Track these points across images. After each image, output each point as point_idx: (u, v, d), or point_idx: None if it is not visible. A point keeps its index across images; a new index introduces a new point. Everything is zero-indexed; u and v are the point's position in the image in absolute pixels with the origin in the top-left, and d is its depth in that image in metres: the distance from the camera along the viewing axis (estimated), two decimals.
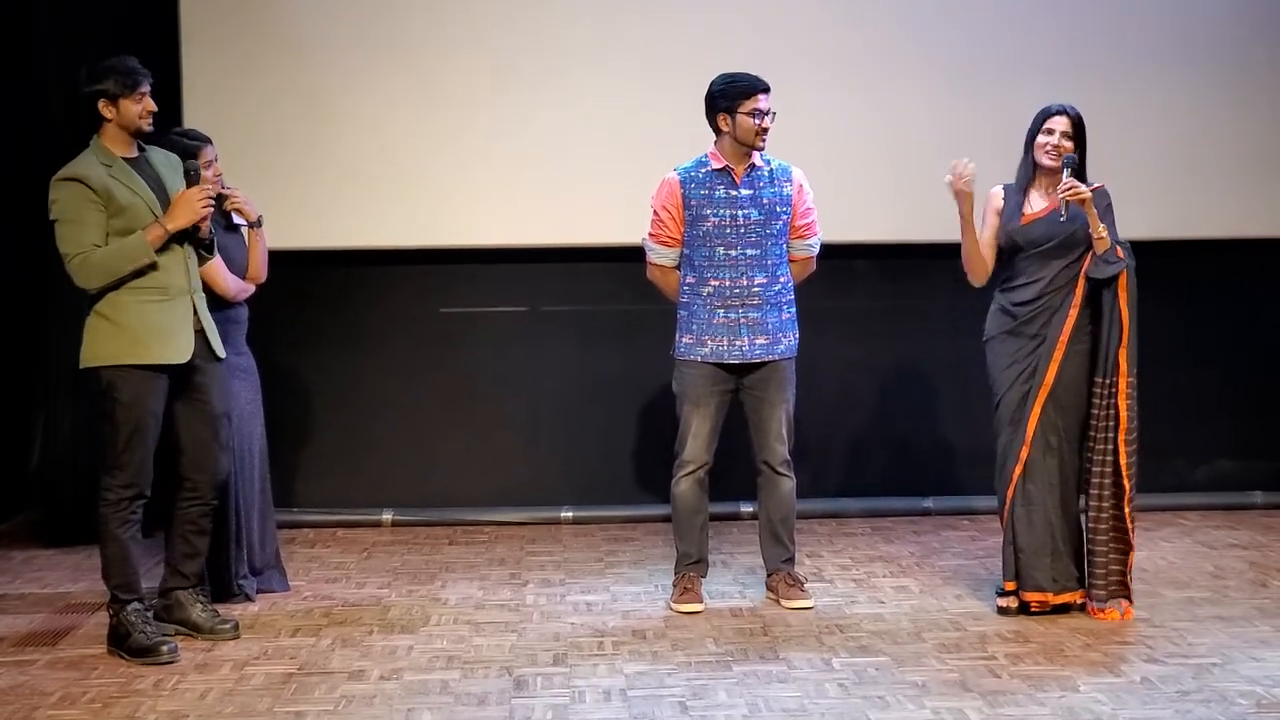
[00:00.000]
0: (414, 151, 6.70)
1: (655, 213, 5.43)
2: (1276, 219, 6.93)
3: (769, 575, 5.50)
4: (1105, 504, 5.11)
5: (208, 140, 5.28)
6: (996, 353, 5.23)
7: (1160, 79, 6.82)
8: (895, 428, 7.16)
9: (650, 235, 5.48)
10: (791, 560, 5.49)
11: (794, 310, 5.46)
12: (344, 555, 6.34)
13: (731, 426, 5.48)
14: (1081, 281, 5.09)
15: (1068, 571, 5.18)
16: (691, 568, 5.48)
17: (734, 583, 5.75)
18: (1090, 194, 5.00)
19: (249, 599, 5.50)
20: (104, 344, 4.77)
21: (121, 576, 4.85)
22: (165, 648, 4.80)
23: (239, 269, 5.43)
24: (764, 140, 5.30)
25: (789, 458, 5.45)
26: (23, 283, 6.79)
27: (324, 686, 4.55)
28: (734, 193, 5.33)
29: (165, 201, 4.85)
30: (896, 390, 7.14)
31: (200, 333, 4.93)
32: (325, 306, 6.98)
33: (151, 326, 4.78)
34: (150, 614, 4.94)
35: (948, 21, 6.78)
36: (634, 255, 5.66)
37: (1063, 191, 4.99)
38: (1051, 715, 4.23)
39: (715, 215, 5.33)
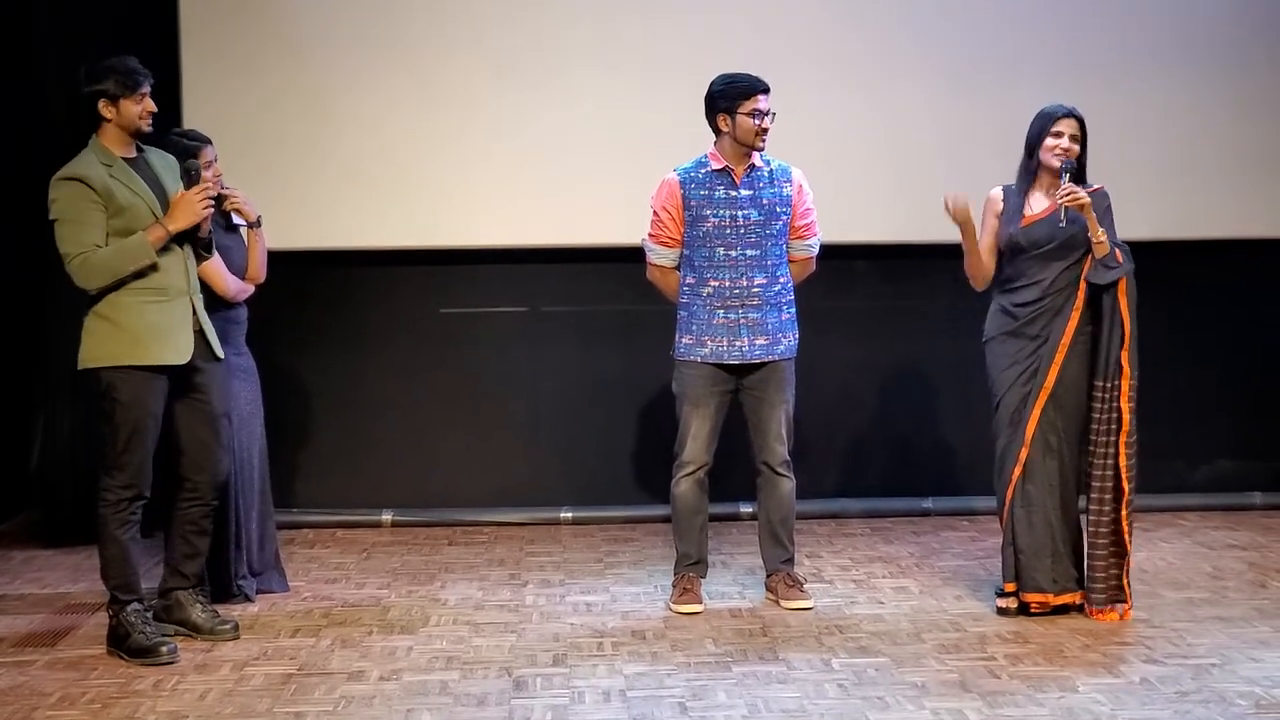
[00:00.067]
0: (414, 151, 6.70)
1: (655, 213, 5.43)
2: (1276, 219, 6.93)
3: (768, 576, 5.50)
4: (1106, 506, 5.11)
5: (207, 141, 5.28)
6: (996, 353, 5.23)
7: (1160, 79, 6.82)
8: (895, 428, 7.17)
9: (650, 236, 5.48)
10: (791, 561, 5.49)
11: (794, 311, 5.46)
12: (343, 556, 6.34)
13: (731, 427, 5.48)
14: (1083, 283, 5.09)
15: (1068, 573, 5.18)
16: (691, 568, 5.48)
17: (733, 583, 5.75)
18: (1089, 200, 5.00)
19: (248, 599, 5.50)
20: (103, 345, 4.77)
21: (121, 577, 4.85)
22: (165, 648, 4.80)
23: (238, 269, 5.43)
24: (764, 141, 5.30)
25: (788, 458, 5.45)
26: (23, 283, 6.79)
27: (323, 687, 4.55)
28: (734, 193, 5.33)
29: (164, 202, 4.84)
30: (896, 391, 7.14)
31: (199, 333, 4.92)
32: (325, 307, 6.98)
33: (151, 327, 4.78)
34: (150, 614, 4.94)
35: (947, 22, 6.78)
36: (634, 256, 5.66)
37: (1061, 198, 4.99)
38: (1051, 716, 4.23)
39: (715, 216, 5.33)
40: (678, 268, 5.47)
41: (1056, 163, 5.08)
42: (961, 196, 5.15)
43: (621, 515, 6.95)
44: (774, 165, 5.41)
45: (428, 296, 7.04)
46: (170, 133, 5.31)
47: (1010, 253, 5.19)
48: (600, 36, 6.71)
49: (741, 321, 5.34)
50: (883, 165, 6.77)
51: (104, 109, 4.78)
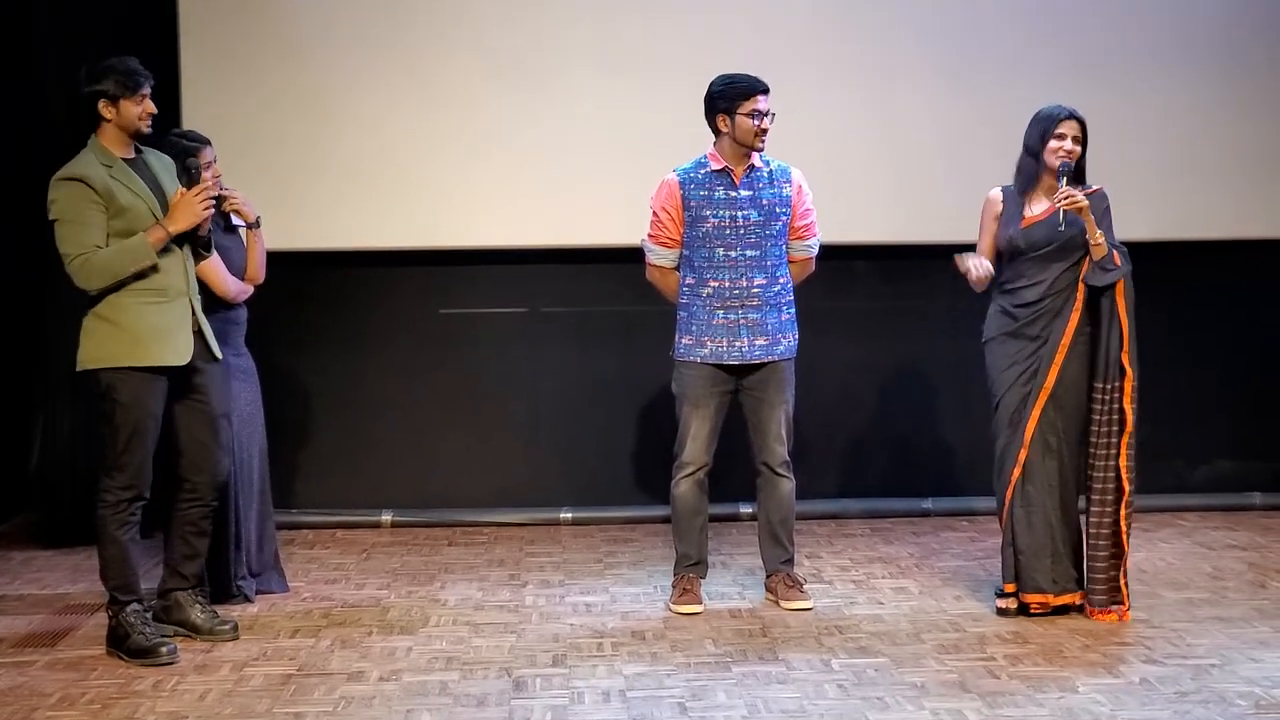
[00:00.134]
0: (414, 151, 6.70)
1: (654, 214, 5.43)
2: (1275, 220, 6.93)
3: (768, 576, 5.50)
4: (1108, 507, 5.11)
5: (207, 142, 5.27)
6: (996, 354, 5.23)
7: (1159, 80, 6.82)
8: (894, 429, 7.17)
9: (649, 236, 5.48)
10: (791, 561, 5.49)
11: (793, 311, 5.46)
12: (343, 556, 6.34)
13: (731, 427, 5.48)
14: (1082, 284, 5.09)
15: (1067, 573, 5.18)
16: (691, 569, 5.47)
17: (733, 584, 5.75)
18: (1086, 203, 5.00)
19: (248, 600, 5.50)
20: (103, 346, 4.77)
21: (120, 578, 4.85)
22: (164, 649, 4.80)
23: (238, 270, 5.43)
24: (763, 141, 5.30)
25: (788, 459, 5.45)
26: (23, 283, 6.79)
27: (323, 688, 4.55)
28: (733, 194, 5.33)
29: (164, 203, 4.84)
30: (896, 391, 7.14)
31: (198, 334, 4.92)
32: (325, 307, 6.98)
33: (151, 328, 4.78)
34: (149, 615, 4.94)
35: (947, 22, 6.78)
36: (634, 256, 5.66)
37: (1059, 201, 4.99)
38: (1050, 716, 4.23)
39: (714, 216, 5.33)
40: (677, 268, 5.47)
41: (1059, 164, 5.07)
42: (984, 269, 5.11)
43: (621, 516, 6.95)
44: (773, 166, 5.41)
45: (427, 297, 7.04)
46: (169, 133, 5.31)
47: (1009, 254, 5.18)
48: (600, 37, 6.71)
49: (741, 322, 5.34)
50: (882, 166, 6.77)
51: (104, 109, 4.78)
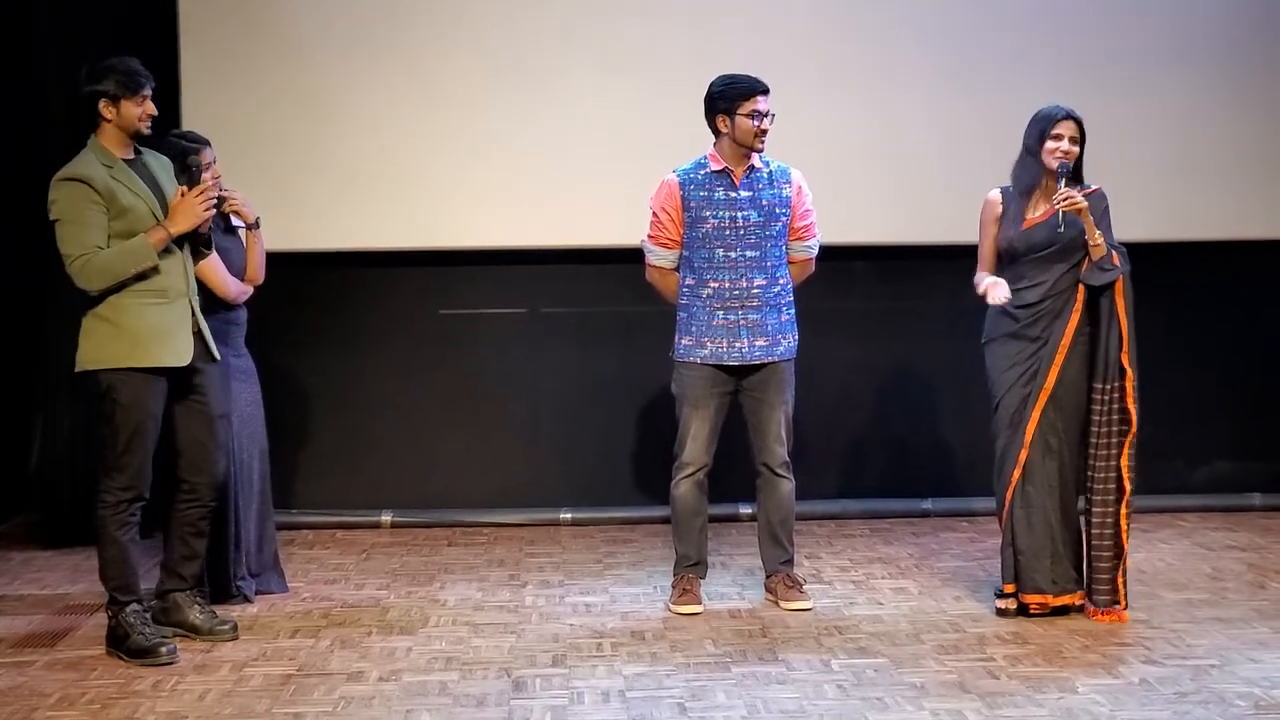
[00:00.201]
0: (414, 152, 6.70)
1: (654, 214, 5.43)
2: (1274, 221, 6.94)
3: (768, 577, 5.50)
4: (1109, 507, 5.11)
5: (206, 142, 5.26)
6: (996, 355, 5.23)
7: (1158, 80, 6.83)
8: (894, 429, 7.17)
9: (649, 237, 5.48)
10: (790, 562, 5.50)
11: (793, 312, 5.46)
12: (343, 556, 6.34)
13: (730, 428, 5.48)
14: (1082, 285, 5.09)
15: (1067, 574, 5.19)
16: (690, 569, 5.48)
17: (733, 584, 5.75)
18: (1085, 204, 5.00)
19: (247, 600, 5.50)
20: (103, 347, 4.76)
21: (120, 578, 4.85)
22: (164, 649, 4.80)
23: (237, 271, 5.43)
24: (763, 142, 5.30)
25: (788, 459, 5.45)
26: (23, 283, 6.79)
27: (323, 688, 4.55)
28: (733, 194, 5.34)
29: (164, 204, 4.84)
30: (895, 392, 7.14)
31: (198, 335, 4.92)
32: (325, 308, 6.98)
33: (151, 329, 4.78)
34: (149, 615, 4.94)
35: (946, 23, 6.78)
36: (633, 257, 5.66)
37: (1058, 203, 4.99)
38: (1050, 716, 4.23)
39: (714, 217, 5.33)
40: (677, 269, 5.47)
41: (1056, 165, 5.07)
42: (1004, 295, 5.10)
43: (621, 516, 6.95)
44: (773, 166, 5.41)
45: (427, 297, 7.04)
46: (169, 134, 5.31)
47: (1010, 256, 5.18)
48: (600, 38, 6.71)
49: (741, 323, 5.34)
50: (881, 167, 6.78)
51: (104, 109, 4.77)
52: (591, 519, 6.94)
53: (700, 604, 5.39)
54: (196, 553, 5.10)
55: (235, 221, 5.48)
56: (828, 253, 5.64)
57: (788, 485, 5.44)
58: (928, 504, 7.02)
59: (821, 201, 5.58)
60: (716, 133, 5.36)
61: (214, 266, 5.24)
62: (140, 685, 4.58)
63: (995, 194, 5.26)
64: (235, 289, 5.39)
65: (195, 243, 4.94)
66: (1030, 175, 5.17)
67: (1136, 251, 5.22)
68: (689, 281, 5.42)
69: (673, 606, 5.39)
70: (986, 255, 5.26)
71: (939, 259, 6.72)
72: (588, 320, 7.08)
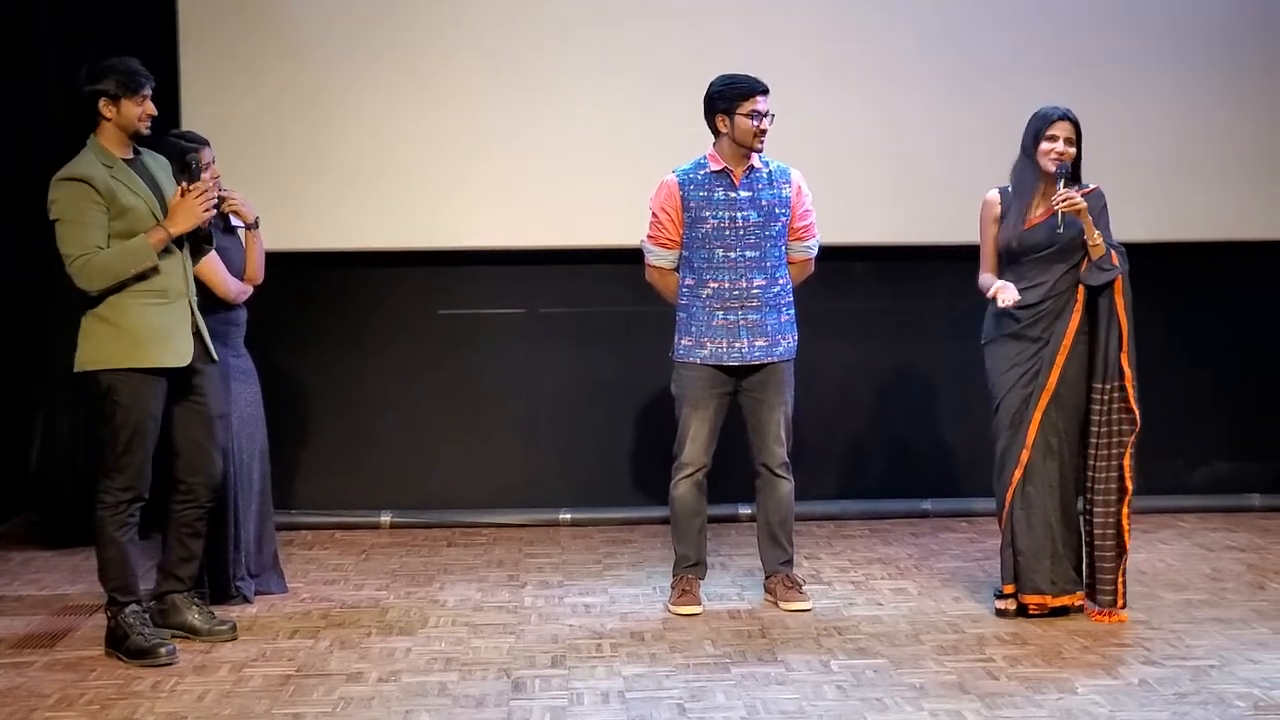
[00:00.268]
0: (414, 152, 6.70)
1: (654, 215, 5.43)
2: (1272, 221, 6.94)
3: (767, 577, 5.50)
4: (1112, 507, 5.11)
5: (205, 142, 5.26)
6: (996, 355, 5.23)
7: (1158, 81, 6.83)
8: (893, 430, 7.17)
9: (649, 237, 5.48)
10: (790, 562, 5.50)
11: (793, 312, 5.46)
12: (342, 557, 6.34)
13: (730, 429, 5.48)
14: (1082, 285, 5.09)
15: (1066, 574, 5.19)
16: (690, 570, 5.48)
17: (732, 585, 5.75)
18: (1084, 204, 5.00)
19: (247, 601, 5.50)
20: (103, 347, 4.76)
21: (119, 578, 4.85)
22: (163, 649, 4.80)
23: (237, 271, 5.43)
24: (762, 142, 5.30)
25: (787, 460, 5.45)
26: (23, 283, 6.79)
27: (322, 688, 4.55)
28: (733, 194, 5.33)
29: (163, 204, 4.84)
30: (895, 392, 7.14)
31: (197, 335, 4.92)
32: (325, 308, 6.98)
33: (151, 330, 4.77)
34: (148, 616, 4.93)
35: (945, 24, 6.78)
36: (633, 257, 5.66)
37: (1058, 204, 4.99)
38: (1049, 717, 4.23)
39: (714, 217, 5.33)
40: (676, 269, 5.47)
41: (1052, 168, 5.08)
42: (1013, 297, 5.10)
43: (620, 517, 6.95)
44: (773, 166, 5.41)
45: (427, 298, 7.04)
46: (168, 134, 5.30)
47: (1009, 257, 5.18)
48: (600, 38, 6.71)
49: (740, 323, 5.34)
50: (881, 167, 6.77)
51: (105, 108, 4.77)
52: (591, 519, 6.94)
53: (699, 605, 5.39)
54: (193, 554, 5.10)
55: (235, 221, 5.48)
56: (827, 253, 5.64)
57: (787, 486, 5.44)
58: (927, 505, 7.01)
59: (821, 201, 5.58)
60: (716, 133, 5.35)
61: (214, 266, 5.24)
62: (139, 686, 4.58)
63: (994, 194, 5.26)
64: (235, 289, 5.39)
65: (196, 239, 4.94)
66: (1028, 176, 5.17)
67: (1136, 251, 5.22)
68: (688, 282, 5.41)
69: (672, 607, 5.39)
70: (988, 256, 5.26)
71: (939, 259, 6.72)
72: (587, 320, 7.08)
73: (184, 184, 4.83)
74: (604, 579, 5.91)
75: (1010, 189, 5.22)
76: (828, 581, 5.81)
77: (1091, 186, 5.14)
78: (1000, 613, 5.23)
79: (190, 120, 6.37)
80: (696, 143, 5.45)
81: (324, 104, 6.65)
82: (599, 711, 4.34)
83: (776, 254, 5.40)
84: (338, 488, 6.99)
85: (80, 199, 4.70)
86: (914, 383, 7.12)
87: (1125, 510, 5.11)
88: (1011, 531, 5.18)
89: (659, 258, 5.46)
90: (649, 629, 5.17)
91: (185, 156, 4.90)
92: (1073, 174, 5.13)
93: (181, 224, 4.80)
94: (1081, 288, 5.09)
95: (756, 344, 5.35)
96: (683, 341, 5.41)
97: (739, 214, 5.33)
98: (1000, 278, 5.21)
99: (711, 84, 5.35)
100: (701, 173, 5.36)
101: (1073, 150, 5.09)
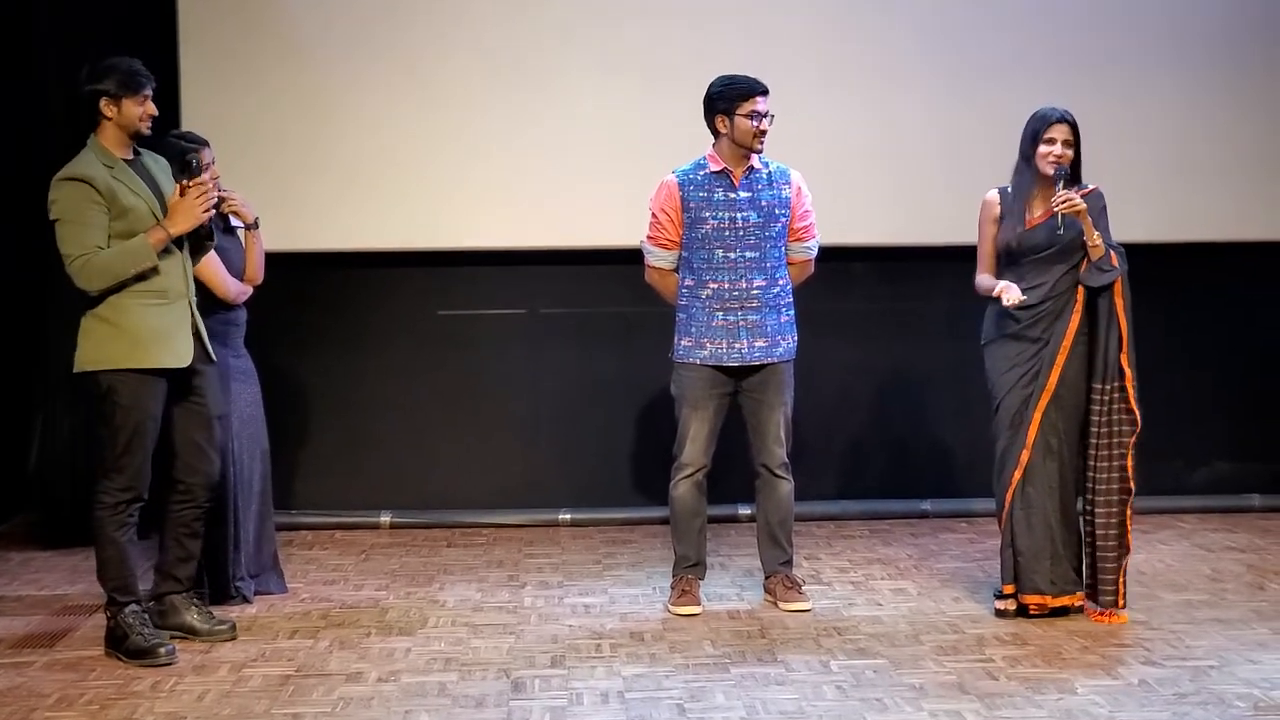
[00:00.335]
0: (414, 152, 6.70)
1: (654, 215, 5.43)
2: (1272, 222, 6.94)
3: (767, 578, 5.50)
4: (1114, 508, 5.11)
5: (205, 143, 5.26)
6: (996, 356, 5.23)
7: (1157, 81, 6.83)
8: (893, 430, 7.17)
9: (648, 238, 5.48)
10: (789, 563, 5.50)
11: (793, 313, 5.46)
12: (342, 557, 6.34)
13: (730, 429, 5.48)
14: (1082, 286, 5.09)
15: (1066, 575, 5.19)
16: (689, 570, 5.48)
17: (732, 585, 5.75)
18: (1084, 206, 5.00)
19: (246, 601, 5.50)
20: (102, 347, 4.76)
21: (119, 579, 4.85)
22: (163, 649, 4.80)
23: (236, 271, 5.43)
24: (762, 142, 5.30)
25: (787, 460, 5.45)
26: (23, 283, 6.79)
27: (322, 688, 4.55)
28: (732, 195, 5.33)
29: (163, 204, 4.83)
30: (894, 393, 7.14)
31: (196, 336, 4.92)
32: (325, 308, 6.98)
33: (151, 330, 4.77)
34: (147, 616, 4.93)
35: (945, 24, 6.78)
36: (633, 257, 5.66)
37: (1057, 205, 4.99)
38: (1049, 717, 4.23)
39: (714, 218, 5.33)
40: (676, 270, 5.47)
41: (1050, 170, 5.08)
42: (1017, 296, 5.09)
43: (620, 517, 6.95)
44: (773, 167, 5.41)
45: (427, 298, 7.04)
46: (168, 134, 5.30)
47: (1009, 258, 5.18)
48: (600, 38, 6.71)
49: (740, 324, 5.34)
50: (881, 168, 6.77)
51: (105, 108, 4.76)
52: (591, 520, 6.94)
53: (699, 605, 5.39)
54: (191, 554, 5.09)
55: (234, 222, 5.48)
56: (827, 253, 5.64)
57: (787, 486, 5.44)
58: (927, 505, 7.01)
59: (821, 202, 5.58)
60: (716, 133, 5.35)
61: (213, 267, 5.24)
62: (139, 686, 4.58)
63: (993, 194, 5.25)
64: (234, 289, 5.39)
65: (197, 236, 4.93)
66: (1027, 178, 5.17)
67: (1135, 252, 5.22)
68: (688, 282, 5.41)
69: (672, 607, 5.39)
70: (986, 256, 5.26)
71: (939, 260, 6.71)
72: (587, 321, 7.08)
73: (183, 181, 4.83)
74: (604, 579, 5.91)
75: (1010, 190, 5.22)
76: (827, 582, 5.81)
77: (1091, 187, 5.14)
78: (1000, 613, 5.23)
79: (190, 120, 6.37)
80: (696, 143, 5.45)
81: (324, 104, 6.65)
82: (599, 711, 4.34)
83: (776, 255, 5.40)
84: (337, 488, 6.99)
85: (81, 199, 4.70)
86: (913, 383, 7.12)
87: (1128, 511, 5.11)
88: (1011, 532, 5.18)
89: (659, 258, 5.46)
90: (649, 629, 5.17)
91: (185, 157, 4.90)
92: (1072, 175, 5.13)
93: (181, 224, 4.80)
94: (1081, 288, 5.10)
95: (756, 344, 5.35)
96: (682, 342, 5.41)
97: (739, 215, 5.33)
98: (1001, 278, 5.21)
99: (711, 85, 5.35)
100: (701, 173, 5.36)
101: (1070, 153, 5.09)
